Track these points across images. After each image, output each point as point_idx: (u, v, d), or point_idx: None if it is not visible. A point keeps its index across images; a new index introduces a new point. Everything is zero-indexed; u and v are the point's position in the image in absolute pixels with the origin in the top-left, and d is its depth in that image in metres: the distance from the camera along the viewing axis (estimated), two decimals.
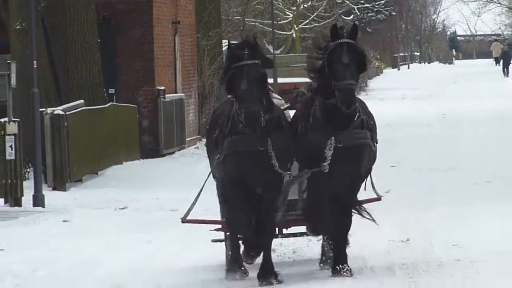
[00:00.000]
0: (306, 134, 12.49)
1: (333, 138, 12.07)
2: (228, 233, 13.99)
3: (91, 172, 34.95)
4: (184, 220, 15.16)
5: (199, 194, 14.94)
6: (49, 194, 28.88)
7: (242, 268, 13.48)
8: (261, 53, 12.68)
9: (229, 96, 13.07)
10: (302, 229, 14.69)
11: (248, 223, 12.75)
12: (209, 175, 14.28)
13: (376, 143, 13.31)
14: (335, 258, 12.79)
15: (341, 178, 12.48)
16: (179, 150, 44.28)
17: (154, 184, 32.84)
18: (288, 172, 12.27)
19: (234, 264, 13.57)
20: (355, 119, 12.45)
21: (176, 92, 46.37)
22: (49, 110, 31.21)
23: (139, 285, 16.96)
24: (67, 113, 32.40)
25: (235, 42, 13.71)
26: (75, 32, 37.16)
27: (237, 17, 79.71)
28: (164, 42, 44.65)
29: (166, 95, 42.88)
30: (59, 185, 31.02)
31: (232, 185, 12.60)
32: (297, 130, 12.91)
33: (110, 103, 38.49)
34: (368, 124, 13.22)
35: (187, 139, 46.22)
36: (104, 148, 36.63)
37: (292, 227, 15.11)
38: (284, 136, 12.51)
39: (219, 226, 14.57)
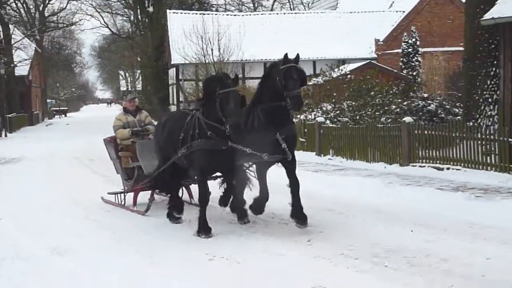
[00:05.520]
0: (255, 132, 9.55)
1: (277, 133, 9.44)
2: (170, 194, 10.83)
3: None
4: (129, 190, 12.12)
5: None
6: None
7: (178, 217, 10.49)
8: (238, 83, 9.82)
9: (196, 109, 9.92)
10: None
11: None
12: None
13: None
14: (298, 212, 9.46)
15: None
16: None
17: None
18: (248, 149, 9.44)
19: (174, 216, 10.57)
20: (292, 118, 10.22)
21: None
22: None
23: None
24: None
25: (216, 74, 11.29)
26: None
27: None
28: None
29: None
30: None
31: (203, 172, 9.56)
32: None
33: None
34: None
35: None
36: None
37: None
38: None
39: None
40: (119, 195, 12.51)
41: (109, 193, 12.86)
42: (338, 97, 23.40)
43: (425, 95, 22.31)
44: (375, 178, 13.96)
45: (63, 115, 77.05)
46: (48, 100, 75.62)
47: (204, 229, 9.47)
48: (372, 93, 22.76)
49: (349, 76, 25.68)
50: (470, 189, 12.42)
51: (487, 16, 15.29)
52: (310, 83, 27.82)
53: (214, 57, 33.23)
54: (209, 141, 9.39)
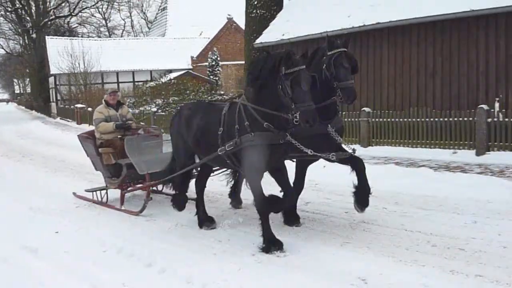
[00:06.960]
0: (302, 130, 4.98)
1: (329, 125, 5.41)
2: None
3: None
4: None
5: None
6: None
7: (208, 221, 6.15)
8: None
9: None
10: None
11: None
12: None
13: None
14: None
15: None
16: None
17: None
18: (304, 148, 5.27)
19: (204, 220, 6.09)
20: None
21: None
22: None
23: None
24: None
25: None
26: None
27: None
28: None
29: None
30: None
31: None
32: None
33: None
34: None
35: None
36: None
37: None
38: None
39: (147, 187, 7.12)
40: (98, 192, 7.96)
41: (86, 191, 8.00)
42: (166, 95, 22.69)
43: (222, 92, 22.35)
44: None
45: None
46: None
47: (272, 242, 5.12)
48: (188, 91, 22.44)
49: (172, 80, 25.41)
50: None
51: (258, 41, 15.72)
52: (147, 85, 26.62)
53: (81, 69, 31.24)
54: (265, 134, 5.06)
